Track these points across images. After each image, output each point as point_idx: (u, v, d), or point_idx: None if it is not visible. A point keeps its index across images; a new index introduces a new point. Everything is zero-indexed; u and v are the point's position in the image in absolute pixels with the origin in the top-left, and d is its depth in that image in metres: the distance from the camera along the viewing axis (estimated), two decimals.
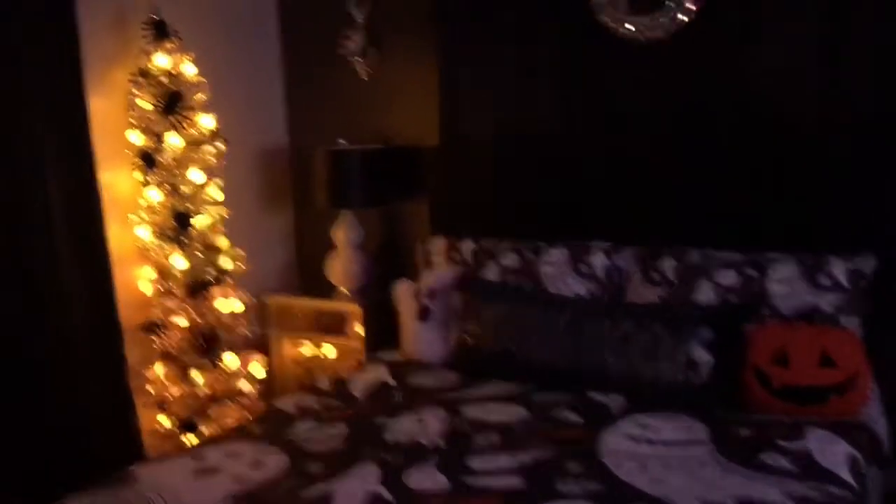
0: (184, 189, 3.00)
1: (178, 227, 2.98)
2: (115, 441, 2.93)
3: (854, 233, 2.46)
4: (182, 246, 3.00)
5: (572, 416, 2.27)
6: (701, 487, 1.80)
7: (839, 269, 2.38)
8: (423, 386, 2.59)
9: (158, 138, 2.97)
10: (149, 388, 3.05)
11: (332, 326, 3.43)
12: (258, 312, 3.41)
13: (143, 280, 3.09)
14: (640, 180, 2.80)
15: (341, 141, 3.37)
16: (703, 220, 2.68)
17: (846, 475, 1.86)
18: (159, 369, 3.06)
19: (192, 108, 3.00)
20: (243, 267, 3.20)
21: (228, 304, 3.11)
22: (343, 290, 3.47)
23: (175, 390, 3.04)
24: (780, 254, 2.46)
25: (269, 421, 2.36)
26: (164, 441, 3.07)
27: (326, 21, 3.53)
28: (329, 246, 3.48)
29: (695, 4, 2.70)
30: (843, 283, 2.36)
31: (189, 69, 3.02)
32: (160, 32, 2.94)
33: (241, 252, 3.20)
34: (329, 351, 3.46)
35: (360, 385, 2.62)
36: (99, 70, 2.93)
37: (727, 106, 2.71)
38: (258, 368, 3.22)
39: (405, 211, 3.50)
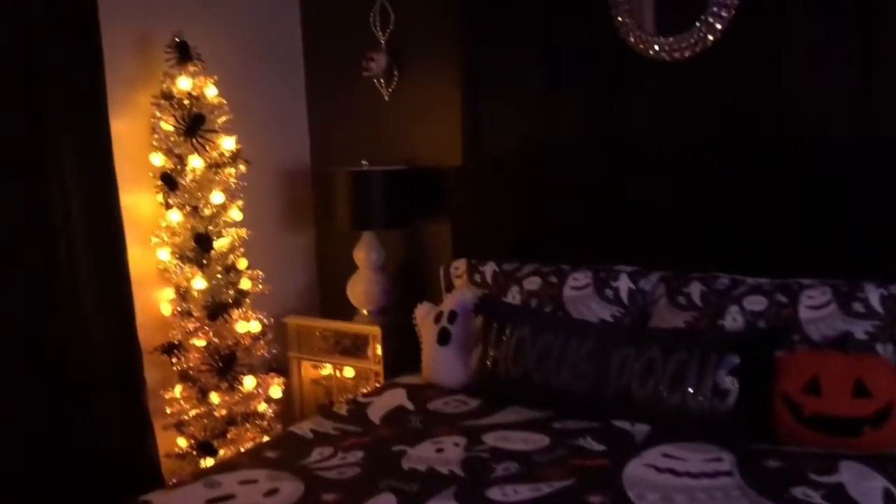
0: (204, 211, 2.99)
1: (198, 248, 2.97)
2: (133, 462, 2.92)
3: (890, 258, 2.37)
4: (202, 267, 2.99)
5: (595, 445, 2.21)
6: None
7: (874, 296, 2.29)
8: (441, 411, 2.54)
9: (180, 160, 2.97)
10: (167, 409, 3.03)
11: (351, 348, 3.40)
12: (278, 333, 3.39)
13: (164, 301, 3.09)
14: (667, 202, 2.73)
15: (364, 162, 3.35)
16: (731, 244, 2.61)
17: None
18: (178, 391, 3.04)
19: (215, 131, 3.01)
20: (261, 288, 3.18)
21: (247, 325, 3.09)
22: (364, 311, 3.43)
23: (193, 412, 3.02)
24: (811, 279, 2.39)
25: (285, 446, 2.32)
26: (182, 463, 3.05)
27: (349, 42, 3.53)
28: (350, 267, 3.45)
29: (722, 24, 2.65)
30: (877, 310, 2.27)
31: (211, 91, 3.03)
32: (183, 55, 2.95)
33: (260, 273, 3.18)
34: (348, 372, 3.43)
35: (377, 410, 2.57)
36: (122, 92, 2.95)
37: (757, 126, 2.64)
38: (277, 390, 3.19)
39: (427, 232, 3.47)
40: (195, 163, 2.96)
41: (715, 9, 2.65)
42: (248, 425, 3.08)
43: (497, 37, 3.11)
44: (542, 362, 2.50)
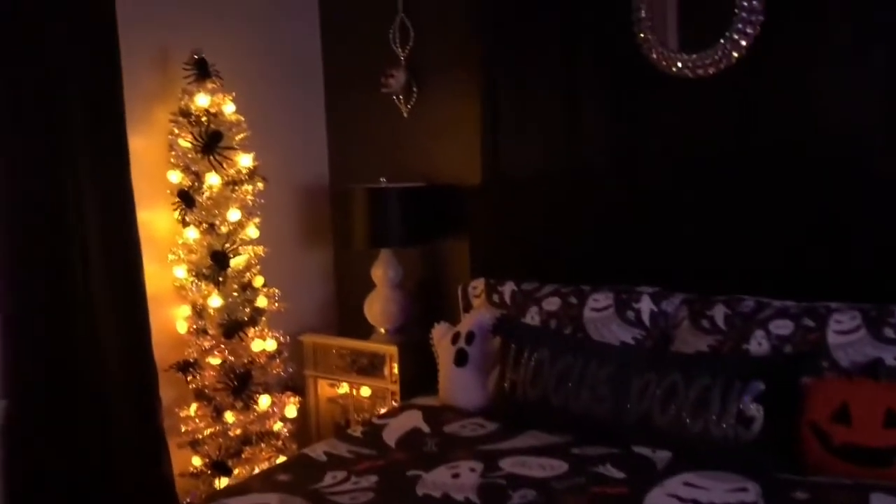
0: (221, 228, 2.98)
1: (214, 265, 2.96)
2: (147, 481, 2.89)
3: None
4: (218, 285, 2.97)
5: (615, 472, 2.15)
6: None
7: None
8: (458, 435, 2.49)
9: (197, 177, 2.96)
10: (182, 427, 3.01)
11: (368, 367, 3.36)
12: (294, 351, 3.36)
13: (180, 319, 3.07)
14: (690, 221, 2.68)
15: (382, 179, 3.32)
16: (757, 266, 2.55)
17: None
18: (193, 409, 3.02)
19: (232, 148, 2.99)
20: (277, 305, 3.16)
21: (263, 344, 3.06)
22: (381, 330, 3.40)
23: (208, 431, 2.99)
24: (839, 302, 2.32)
25: (298, 469, 2.29)
26: (197, 482, 3.03)
27: (369, 59, 3.52)
28: (368, 285, 3.42)
29: (747, 40, 2.59)
30: None
31: (229, 108, 3.02)
32: (202, 72, 2.94)
33: (276, 291, 3.16)
34: (365, 392, 3.38)
35: (393, 432, 2.53)
36: (140, 109, 2.94)
37: (782, 144, 2.58)
38: (292, 410, 3.15)
39: (445, 250, 3.43)
40: (212, 180, 2.95)
41: (740, 25, 2.60)
42: (263, 445, 3.04)
43: (517, 54, 3.08)
44: (562, 385, 2.45)
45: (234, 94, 3.05)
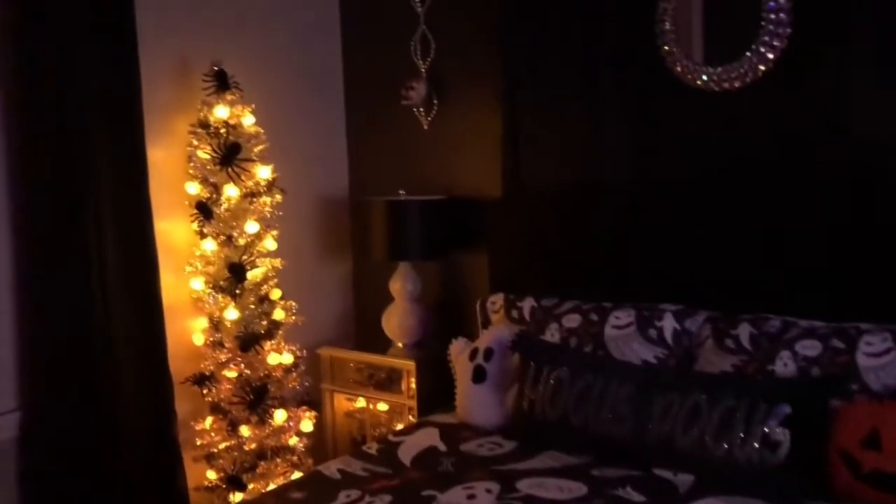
0: (239, 240, 2.96)
1: (232, 278, 2.94)
2: (162, 494, 2.88)
3: None
4: (235, 297, 2.95)
5: (635, 495, 2.09)
6: None
7: None
8: (475, 454, 2.44)
9: (216, 189, 2.95)
10: (198, 441, 2.99)
11: (386, 382, 3.32)
12: (311, 365, 3.33)
13: (197, 331, 3.05)
14: (714, 237, 2.61)
15: (401, 192, 3.29)
16: (783, 283, 2.48)
17: None
18: (208, 423, 3.00)
19: (251, 160, 2.98)
20: (294, 318, 3.13)
21: (279, 357, 3.03)
22: (399, 344, 3.36)
23: (223, 444, 2.97)
24: (870, 323, 2.24)
25: (312, 487, 2.25)
26: (211, 496, 3.00)
27: (390, 71, 3.50)
28: (386, 298, 3.38)
29: (774, 53, 2.54)
30: None
31: (248, 120, 3.01)
32: (221, 84, 2.93)
33: (293, 304, 3.13)
34: (382, 406, 3.35)
35: (409, 450, 2.49)
36: (159, 120, 2.94)
37: (810, 159, 2.51)
38: (308, 424, 3.12)
39: (464, 264, 3.39)
40: (230, 192, 2.94)
41: (766, 38, 2.54)
42: (278, 460, 3.01)
43: (539, 66, 3.04)
44: (581, 405, 2.39)
45: (253, 105, 3.04)
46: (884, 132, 2.40)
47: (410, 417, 3.13)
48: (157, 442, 2.87)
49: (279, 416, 3.00)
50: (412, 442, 2.56)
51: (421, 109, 3.44)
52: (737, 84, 2.63)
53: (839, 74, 2.46)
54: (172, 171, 2.99)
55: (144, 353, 2.83)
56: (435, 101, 3.41)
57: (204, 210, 2.94)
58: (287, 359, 3.07)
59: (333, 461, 2.48)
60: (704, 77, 2.68)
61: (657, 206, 2.76)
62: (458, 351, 2.87)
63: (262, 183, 3.03)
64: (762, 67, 2.57)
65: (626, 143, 2.87)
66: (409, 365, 3.18)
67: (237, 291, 2.96)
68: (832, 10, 2.45)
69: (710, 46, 2.70)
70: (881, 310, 2.27)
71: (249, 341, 2.95)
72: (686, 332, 2.51)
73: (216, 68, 2.94)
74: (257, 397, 2.93)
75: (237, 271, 2.94)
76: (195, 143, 2.96)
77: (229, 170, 2.92)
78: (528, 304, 2.83)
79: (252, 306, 3.00)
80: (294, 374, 3.11)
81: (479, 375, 2.71)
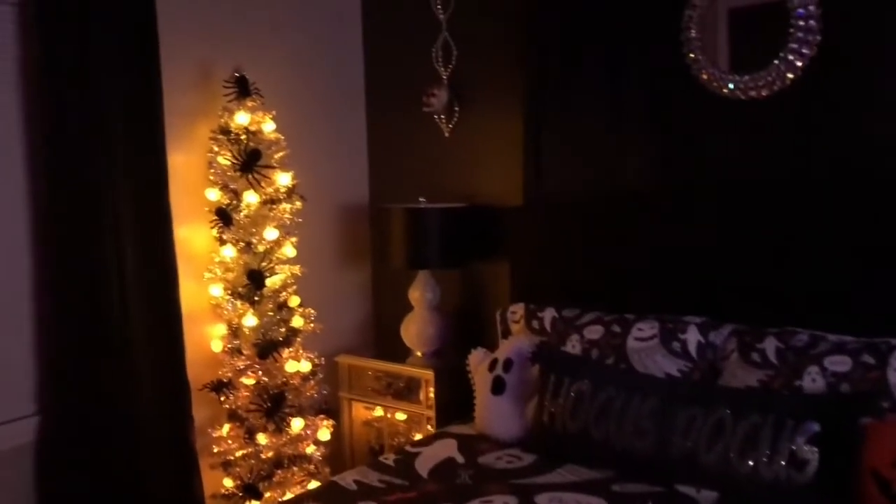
0: (258, 247, 2.95)
1: (251, 284, 2.92)
2: (178, 501, 2.87)
3: None
4: (254, 304, 2.94)
5: None
6: None
7: None
8: (493, 467, 2.41)
9: (236, 195, 2.94)
10: (214, 448, 2.97)
11: (404, 391, 3.29)
12: (329, 372, 3.31)
13: (215, 338, 3.04)
14: (740, 248, 2.56)
15: (422, 199, 3.27)
16: (811, 297, 2.42)
17: None
18: (226, 430, 2.98)
19: (271, 166, 2.97)
20: (312, 326, 3.11)
21: (297, 365, 3.01)
22: (417, 353, 3.33)
23: (240, 452, 2.95)
24: None
25: (327, 498, 2.22)
26: None
27: (411, 77, 3.48)
28: (406, 306, 3.36)
29: (803, 61, 2.48)
30: None
31: (268, 127, 3.00)
32: (242, 90, 2.93)
33: (312, 311, 3.11)
34: (400, 415, 3.31)
35: (426, 461, 2.46)
36: (180, 126, 2.94)
37: (840, 169, 2.45)
38: (325, 433, 3.10)
39: (485, 273, 3.36)
40: (250, 198, 2.93)
41: (795, 45, 2.49)
42: (295, 468, 2.99)
43: (562, 73, 3.00)
44: (602, 418, 2.35)
45: (274, 112, 3.04)
46: None
47: (429, 427, 3.10)
48: (175, 448, 2.86)
49: (296, 424, 2.98)
50: (430, 453, 2.53)
51: (442, 116, 3.42)
52: (764, 92, 2.57)
53: (869, 83, 2.40)
54: (193, 176, 2.99)
55: (163, 359, 2.82)
56: (456, 108, 3.38)
57: (224, 216, 2.93)
58: (305, 366, 3.05)
59: (350, 472, 2.45)
60: (731, 85, 2.63)
61: (681, 216, 2.71)
62: (477, 361, 2.83)
63: (282, 189, 3.02)
64: (790, 75, 2.52)
65: (650, 151, 2.83)
66: (428, 374, 3.14)
67: (256, 298, 2.95)
68: (862, 16, 2.40)
69: (735, 54, 2.65)
70: None
71: (267, 348, 2.93)
72: (710, 346, 2.46)
73: (237, 74, 2.94)
74: (275, 405, 2.91)
75: (256, 278, 2.93)
76: (216, 149, 2.96)
77: (249, 176, 2.91)
78: (549, 314, 2.79)
79: (270, 313, 2.99)
80: (312, 381, 3.09)
81: (498, 386, 2.67)
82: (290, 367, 2.99)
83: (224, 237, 2.95)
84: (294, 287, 3.08)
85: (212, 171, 2.97)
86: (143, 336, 2.76)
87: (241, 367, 2.94)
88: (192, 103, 3.00)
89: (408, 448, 2.64)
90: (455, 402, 3.01)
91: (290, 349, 3.02)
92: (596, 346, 2.59)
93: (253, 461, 2.94)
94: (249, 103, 2.95)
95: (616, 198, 2.89)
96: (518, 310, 2.90)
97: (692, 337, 2.48)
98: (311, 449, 3.05)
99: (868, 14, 2.39)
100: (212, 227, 2.96)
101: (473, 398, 2.80)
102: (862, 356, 2.17)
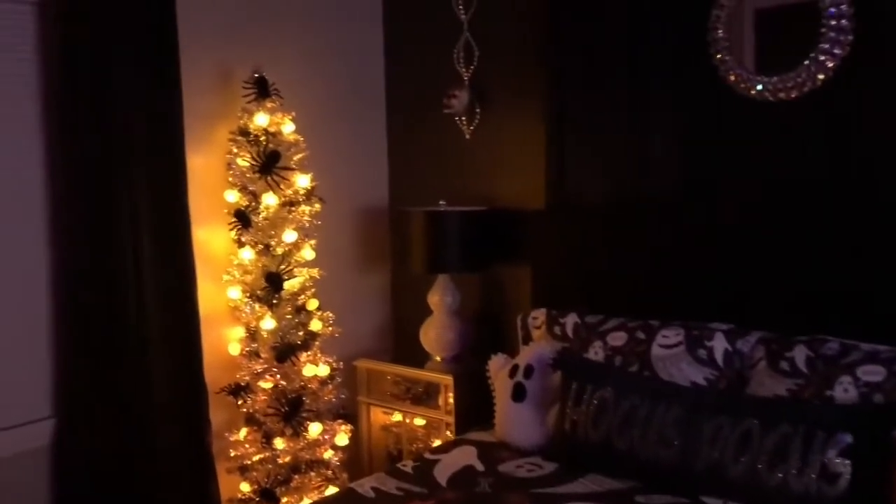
0: (277, 249, 2.92)
1: (269, 287, 2.90)
2: None
3: None
4: (272, 307, 2.91)
5: None
6: None
7: None
8: (513, 475, 2.36)
9: (255, 197, 2.92)
10: (231, 452, 2.95)
11: (423, 396, 3.25)
12: (348, 376, 3.27)
13: (233, 341, 3.02)
14: (768, 254, 2.50)
15: (442, 202, 3.23)
16: (843, 304, 2.35)
17: None
18: (243, 434, 2.96)
19: (290, 168, 2.94)
20: (330, 329, 3.07)
21: (315, 369, 2.98)
22: (437, 358, 3.29)
23: (257, 457, 2.92)
24: None
25: None
26: None
27: (432, 79, 3.44)
28: (425, 311, 3.31)
29: (834, 61, 2.41)
30: None
31: (288, 128, 2.97)
32: (262, 91, 2.90)
33: (330, 315, 3.08)
34: (419, 421, 3.27)
35: (445, 469, 2.41)
36: (200, 127, 2.92)
37: (873, 171, 2.38)
38: (343, 438, 3.06)
39: (505, 278, 3.31)
40: (269, 200, 2.90)
41: (827, 45, 2.42)
42: (312, 473, 2.95)
43: (585, 74, 2.95)
44: (626, 427, 2.29)
45: (293, 113, 3.01)
46: None
47: (448, 433, 3.06)
48: (191, 452, 2.85)
49: (314, 428, 2.94)
50: (449, 460, 2.48)
51: (463, 118, 3.38)
52: (794, 94, 2.51)
53: None
54: (212, 178, 2.97)
55: (180, 362, 2.81)
56: (477, 110, 3.34)
57: (242, 218, 2.91)
58: (323, 370, 3.02)
59: (367, 479, 2.41)
60: (759, 86, 2.56)
61: (708, 221, 2.65)
62: (497, 367, 2.78)
63: (301, 192, 2.99)
64: (821, 76, 2.45)
65: (676, 154, 2.77)
66: (447, 380, 3.10)
67: (274, 301, 2.92)
68: None
69: (764, 55, 2.59)
70: None
71: (286, 352, 2.90)
72: (738, 353, 2.39)
73: (257, 75, 2.91)
74: (292, 409, 2.88)
75: (274, 281, 2.90)
76: (235, 150, 2.93)
77: (268, 178, 2.89)
78: (571, 320, 2.74)
79: (289, 316, 2.96)
80: (330, 386, 3.06)
81: (518, 393, 2.62)
82: (308, 370, 2.96)
83: (242, 239, 2.93)
84: (313, 290, 3.05)
85: (231, 172, 2.94)
86: (160, 339, 2.74)
87: (259, 370, 2.92)
88: (211, 104, 2.98)
89: (426, 455, 2.59)
90: (474, 409, 2.96)
91: (309, 353, 2.99)
92: (619, 353, 2.54)
93: (270, 466, 2.92)
94: (269, 104, 2.93)
95: (640, 201, 2.84)
96: (539, 315, 2.85)
97: (719, 344, 2.41)
98: (328, 454, 3.02)
99: None
100: (230, 229, 2.94)
101: (493, 404, 2.75)
102: None
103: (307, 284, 3.02)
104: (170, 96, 2.74)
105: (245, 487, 2.97)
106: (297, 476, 2.93)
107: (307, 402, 2.95)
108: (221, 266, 2.99)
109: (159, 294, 2.73)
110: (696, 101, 2.71)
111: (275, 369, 2.91)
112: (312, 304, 3.04)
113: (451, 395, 3.08)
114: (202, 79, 2.93)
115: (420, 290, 3.37)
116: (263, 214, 2.91)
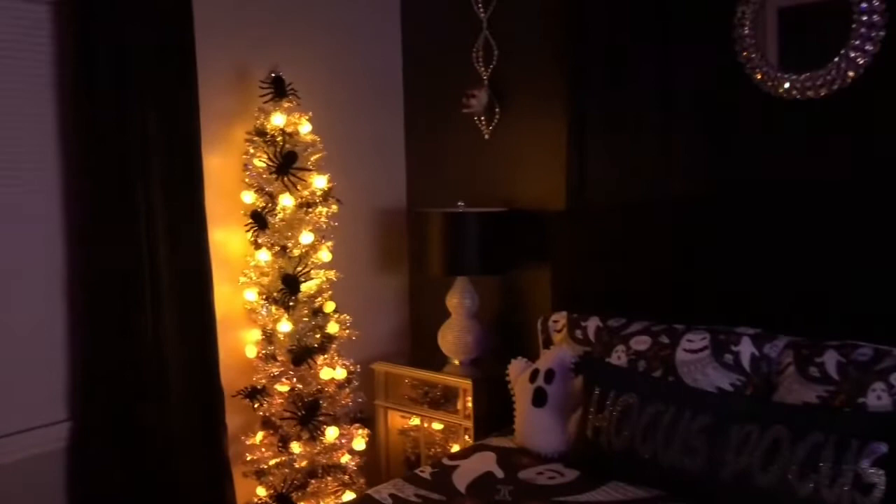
0: (293, 251, 2.89)
1: (286, 289, 2.86)
2: None
3: None
4: (288, 309, 2.88)
5: None
6: None
7: None
8: (533, 482, 2.31)
9: (271, 198, 2.88)
10: (248, 456, 2.91)
11: (441, 400, 3.20)
12: (365, 380, 3.23)
13: (249, 344, 2.99)
14: (796, 256, 2.43)
15: (460, 203, 3.18)
16: (873, 308, 2.27)
17: None
18: (259, 437, 2.92)
19: (307, 169, 2.91)
20: (347, 332, 3.04)
21: (332, 372, 2.94)
22: (455, 361, 3.24)
23: (273, 461, 2.89)
24: None
25: None
26: None
27: (450, 78, 3.40)
28: (443, 313, 3.27)
29: (865, 58, 2.35)
30: None
31: (305, 128, 2.94)
32: (279, 91, 2.87)
33: (347, 318, 3.04)
34: (437, 425, 3.23)
35: (464, 475, 2.36)
36: (216, 128, 2.90)
37: None
38: (360, 442, 3.02)
39: (525, 280, 3.25)
40: (286, 201, 2.87)
41: (857, 42, 2.35)
42: (329, 478, 2.92)
43: (607, 74, 2.90)
44: (650, 435, 2.23)
45: (310, 113, 2.98)
46: None
47: (466, 438, 3.01)
48: (207, 456, 2.82)
49: (331, 432, 2.91)
50: (467, 467, 2.43)
51: (482, 118, 3.33)
52: (822, 92, 2.45)
53: None
54: (228, 179, 2.95)
55: (196, 365, 2.78)
56: (497, 110, 3.29)
57: (259, 220, 2.88)
58: (340, 374, 2.98)
59: (384, 485, 2.36)
60: (787, 84, 2.50)
61: (732, 222, 2.58)
62: (517, 371, 2.73)
63: (318, 193, 2.96)
64: (851, 73, 2.39)
65: (699, 153, 2.71)
66: (466, 384, 3.05)
67: (291, 303, 2.89)
68: None
69: (791, 52, 2.53)
70: None
71: (302, 355, 2.87)
72: (765, 359, 2.32)
73: (274, 74, 2.89)
74: (309, 413, 2.85)
75: (291, 283, 2.87)
76: (251, 150, 2.91)
77: (285, 179, 2.85)
78: (592, 323, 2.68)
79: (305, 319, 2.92)
80: (347, 389, 3.02)
81: (539, 398, 2.57)
82: (325, 374, 2.93)
83: (259, 241, 2.90)
84: (329, 292, 3.01)
85: (247, 173, 2.92)
86: (176, 341, 2.72)
87: (276, 373, 2.89)
88: (227, 104, 2.96)
89: (445, 461, 2.54)
90: (494, 413, 2.91)
91: (325, 356, 2.95)
92: (643, 358, 2.48)
93: (286, 470, 2.88)
94: (286, 104, 2.90)
95: (663, 202, 2.78)
96: (560, 318, 2.80)
97: (745, 349, 2.35)
98: (345, 458, 2.98)
99: None
100: (247, 231, 2.91)
101: (513, 409, 2.70)
102: None
103: (324, 287, 2.99)
104: (186, 95, 2.72)
105: (261, 492, 2.93)
106: (313, 481, 2.89)
107: (324, 405, 2.91)
108: (238, 268, 2.97)
109: (176, 296, 2.70)
110: (722, 100, 2.65)
111: (291, 372, 2.88)
112: (329, 307, 3.01)
113: (469, 399, 3.03)
114: (219, 78, 2.91)
115: (438, 292, 3.32)
116: (280, 216, 2.88)
